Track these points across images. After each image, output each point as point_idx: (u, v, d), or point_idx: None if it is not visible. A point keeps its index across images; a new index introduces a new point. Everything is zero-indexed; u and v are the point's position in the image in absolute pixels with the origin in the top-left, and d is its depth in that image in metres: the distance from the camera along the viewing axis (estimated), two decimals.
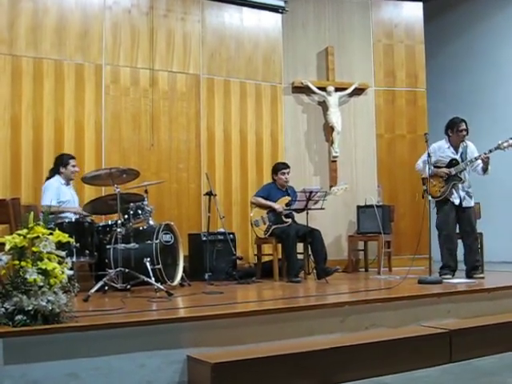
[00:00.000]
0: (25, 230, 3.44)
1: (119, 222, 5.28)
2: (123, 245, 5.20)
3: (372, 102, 8.31)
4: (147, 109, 7.07)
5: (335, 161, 8.01)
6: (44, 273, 3.37)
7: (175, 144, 7.22)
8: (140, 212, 5.48)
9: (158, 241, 5.40)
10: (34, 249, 3.42)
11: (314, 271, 6.41)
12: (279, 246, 6.58)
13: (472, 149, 6.20)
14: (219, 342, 3.75)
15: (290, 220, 6.62)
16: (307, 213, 6.39)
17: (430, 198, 6.01)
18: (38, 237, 3.44)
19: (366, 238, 7.66)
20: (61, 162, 5.88)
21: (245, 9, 7.81)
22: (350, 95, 8.15)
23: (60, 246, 3.56)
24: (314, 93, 8.02)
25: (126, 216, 5.42)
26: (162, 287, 4.98)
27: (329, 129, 8.00)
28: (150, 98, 7.09)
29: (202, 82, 7.45)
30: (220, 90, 7.56)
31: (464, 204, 6.11)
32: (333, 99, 7.95)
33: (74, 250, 5.07)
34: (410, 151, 8.11)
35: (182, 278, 5.75)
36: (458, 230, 6.23)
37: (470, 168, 6.13)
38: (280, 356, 3.67)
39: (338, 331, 4.21)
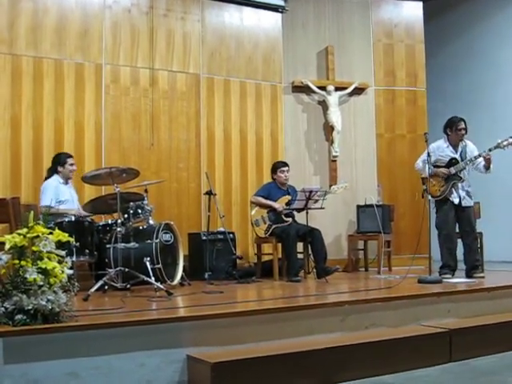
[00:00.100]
0: (25, 230, 3.45)
1: (119, 221, 5.28)
2: (123, 244, 5.20)
3: (372, 102, 8.31)
4: (147, 108, 7.07)
5: (335, 160, 8.01)
6: (44, 272, 3.38)
7: (175, 143, 7.22)
8: (140, 211, 5.48)
9: (157, 240, 5.40)
10: (33, 248, 3.42)
11: (314, 271, 6.41)
12: (279, 245, 6.58)
13: (471, 148, 6.20)
14: (219, 341, 3.75)
15: (290, 219, 6.62)
16: (307, 212, 6.39)
17: (429, 197, 6.01)
18: (37, 236, 3.45)
19: (365, 237, 7.66)
20: (58, 161, 5.88)
21: (245, 8, 7.81)
22: (350, 95, 8.15)
23: (60, 245, 3.56)
24: (313, 92, 8.02)
25: (126, 215, 5.42)
26: (161, 287, 4.97)
27: (329, 128, 8.00)
28: (149, 98, 7.09)
29: (202, 81, 7.45)
30: (220, 89, 7.56)
31: (464, 203, 6.11)
32: (333, 99, 7.95)
33: (74, 249, 5.08)
34: (410, 151, 8.11)
35: (182, 278, 5.75)
36: (457, 230, 6.23)
37: (470, 167, 6.14)
38: (280, 355, 3.67)
39: (337, 330, 4.22)
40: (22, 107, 6.35)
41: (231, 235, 6.77)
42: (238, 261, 6.67)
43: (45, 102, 6.47)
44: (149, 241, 5.41)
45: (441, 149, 6.21)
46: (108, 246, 5.42)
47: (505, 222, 9.13)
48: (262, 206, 6.67)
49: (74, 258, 5.04)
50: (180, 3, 7.39)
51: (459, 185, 6.09)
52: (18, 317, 3.29)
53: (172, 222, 5.73)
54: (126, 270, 5.09)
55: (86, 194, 6.27)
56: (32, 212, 3.54)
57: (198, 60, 7.44)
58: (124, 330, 3.51)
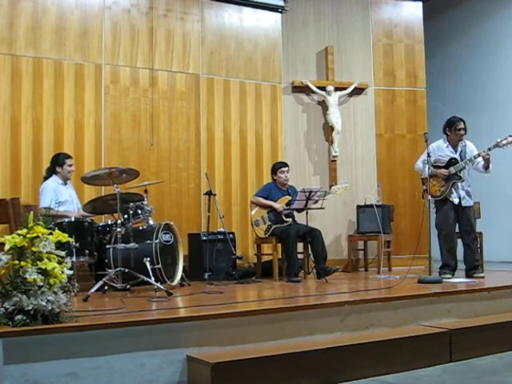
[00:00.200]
0: (24, 230, 3.44)
1: (119, 221, 5.28)
2: (123, 244, 5.20)
3: (372, 102, 8.31)
4: (147, 108, 7.07)
5: (335, 160, 8.01)
6: (44, 273, 3.37)
7: (175, 144, 7.22)
8: (140, 212, 5.48)
9: (157, 240, 5.40)
10: (33, 249, 3.42)
11: (314, 271, 6.41)
12: (279, 245, 6.58)
13: (471, 148, 6.21)
14: (219, 341, 3.75)
15: (290, 220, 6.62)
16: (307, 212, 6.38)
17: (429, 197, 6.01)
18: (37, 237, 3.44)
19: (365, 237, 7.65)
20: (57, 162, 5.87)
21: (244, 8, 7.81)
22: (350, 95, 8.15)
23: (60, 245, 3.56)
24: (313, 92, 8.02)
25: (126, 216, 5.42)
26: (161, 287, 4.98)
27: (328, 128, 8.01)
28: (149, 98, 7.09)
29: (202, 81, 7.45)
30: (220, 89, 7.56)
31: (463, 203, 6.11)
32: (332, 99, 7.95)
33: (74, 249, 5.08)
34: (410, 151, 8.12)
35: (182, 278, 5.74)
36: (457, 230, 6.23)
37: (470, 166, 6.14)
38: (280, 355, 3.66)
39: (337, 331, 4.21)
40: (21, 107, 6.36)
41: (231, 235, 6.77)
42: (237, 261, 6.67)
43: (44, 102, 6.47)
44: (149, 241, 5.40)
45: (440, 149, 6.21)
46: (108, 246, 5.42)
47: (505, 222, 9.14)
48: (262, 206, 6.67)
49: (74, 259, 5.05)
50: (180, 3, 7.39)
51: (459, 185, 6.09)
52: (18, 317, 3.28)
53: (172, 223, 5.73)
54: (126, 270, 5.09)
55: (85, 194, 6.28)
56: (32, 212, 3.54)
57: (198, 60, 7.44)
58: (124, 330, 3.50)
